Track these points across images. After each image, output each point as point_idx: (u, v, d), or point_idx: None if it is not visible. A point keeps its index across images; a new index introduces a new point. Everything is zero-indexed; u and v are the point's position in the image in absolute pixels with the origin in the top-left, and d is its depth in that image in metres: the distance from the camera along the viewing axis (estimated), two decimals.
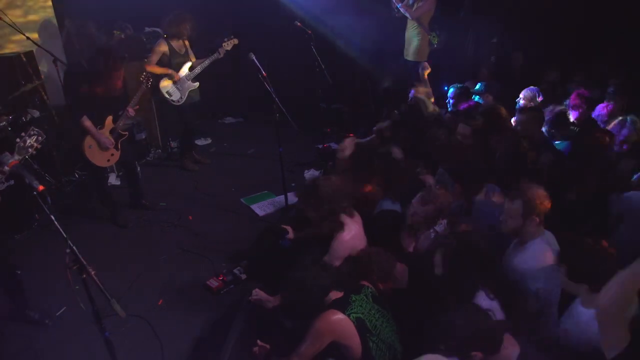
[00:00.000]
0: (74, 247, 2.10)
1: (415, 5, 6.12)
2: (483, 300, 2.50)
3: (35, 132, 2.60)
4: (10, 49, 6.22)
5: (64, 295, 3.79)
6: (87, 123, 4.47)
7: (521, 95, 5.01)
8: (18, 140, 2.55)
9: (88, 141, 4.55)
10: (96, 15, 6.91)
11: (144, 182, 5.42)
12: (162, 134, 6.78)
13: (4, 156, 2.13)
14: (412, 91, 5.40)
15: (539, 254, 2.80)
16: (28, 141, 2.56)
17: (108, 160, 4.75)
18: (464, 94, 5.23)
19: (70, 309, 3.75)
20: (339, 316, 2.66)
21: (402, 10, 6.07)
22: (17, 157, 2.49)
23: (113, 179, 5.99)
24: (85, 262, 2.12)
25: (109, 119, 4.64)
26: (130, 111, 4.69)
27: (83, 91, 4.37)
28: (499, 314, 2.39)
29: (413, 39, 6.38)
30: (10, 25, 5.15)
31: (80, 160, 4.91)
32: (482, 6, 6.69)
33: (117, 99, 4.65)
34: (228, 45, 5.62)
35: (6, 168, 2.28)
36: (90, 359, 3.24)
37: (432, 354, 2.07)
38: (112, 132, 4.67)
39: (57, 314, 3.73)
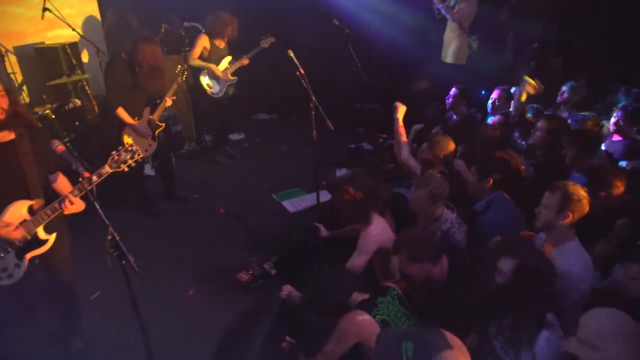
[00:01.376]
0: (115, 234, 2.15)
1: (456, 7, 6.05)
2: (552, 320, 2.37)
3: (132, 149, 2.67)
4: (55, 39, 6.41)
5: (99, 279, 3.90)
6: (123, 114, 4.55)
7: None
8: (113, 152, 2.63)
9: (127, 131, 4.65)
10: (137, 7, 7.07)
11: (178, 173, 5.52)
12: (197, 128, 6.89)
13: (53, 142, 2.22)
14: (454, 91, 5.32)
15: (582, 256, 2.76)
16: (123, 156, 2.63)
17: (146, 151, 4.83)
18: (507, 97, 5.14)
19: (104, 294, 3.87)
20: (364, 317, 2.64)
21: (443, 11, 6.01)
22: (108, 169, 2.59)
23: (148, 170, 6.11)
24: (125, 249, 2.17)
25: (147, 109, 4.73)
26: (168, 101, 4.77)
27: (121, 82, 4.48)
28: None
29: (452, 41, 6.31)
30: (58, 17, 5.30)
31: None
32: (524, 11, 6.55)
33: (154, 89, 4.74)
34: (266, 43, 5.70)
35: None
36: (123, 343, 3.31)
37: None
38: (149, 122, 4.76)
39: (91, 298, 3.84)
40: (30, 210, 2.67)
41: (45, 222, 2.66)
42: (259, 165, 6.30)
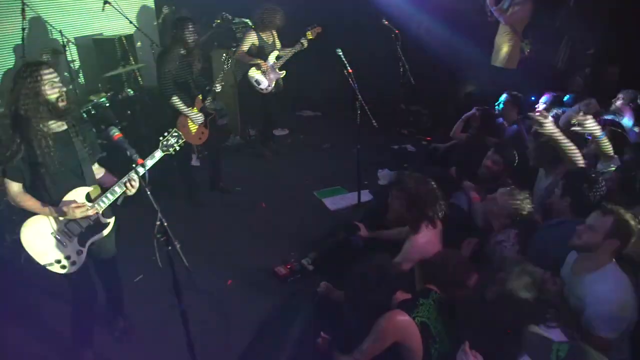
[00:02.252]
0: (164, 220, 2.21)
1: (510, 10, 5.89)
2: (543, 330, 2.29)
3: (176, 134, 2.84)
4: (112, 31, 6.67)
5: (143, 263, 4.02)
6: (177, 102, 4.68)
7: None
8: (161, 138, 2.79)
9: (181, 120, 4.78)
10: (190, 2, 7.24)
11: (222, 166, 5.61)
12: (242, 122, 7.00)
13: (110, 129, 2.31)
14: (504, 97, 5.19)
15: (624, 282, 2.54)
16: (170, 140, 2.80)
17: (199, 138, 4.97)
18: (556, 104, 4.98)
19: (146, 278, 4.01)
20: (404, 317, 2.63)
21: (495, 14, 5.87)
22: (159, 152, 2.76)
23: (193, 160, 6.26)
24: (172, 235, 2.23)
25: (198, 97, 4.85)
26: (217, 86, 4.84)
27: (173, 70, 4.63)
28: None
29: (503, 44, 6.15)
30: (117, 10, 5.50)
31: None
32: (581, 16, 6.33)
33: (203, 78, 4.90)
34: (312, 33, 5.72)
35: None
36: (161, 327, 3.42)
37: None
38: (201, 110, 4.87)
39: (135, 280, 3.98)
40: (88, 197, 2.77)
41: (106, 206, 2.77)
42: (301, 161, 6.35)
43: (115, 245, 3.23)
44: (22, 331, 3.54)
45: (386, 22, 5.67)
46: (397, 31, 5.61)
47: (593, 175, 3.10)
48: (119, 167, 2.85)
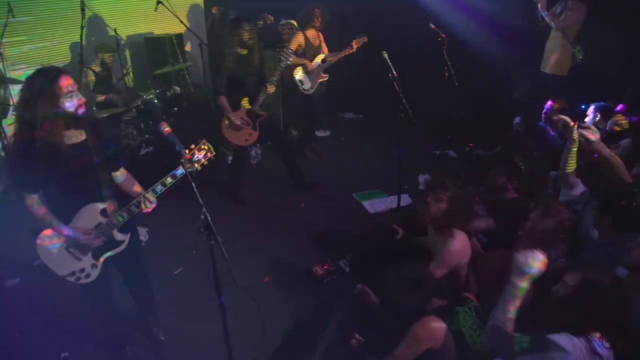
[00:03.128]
0: (208, 214, 2.27)
1: (563, 15, 5.72)
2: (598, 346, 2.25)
3: (205, 147, 2.56)
4: (161, 30, 6.90)
5: (183, 256, 4.16)
6: (223, 103, 4.74)
7: None
8: (187, 152, 2.54)
9: (226, 120, 4.85)
10: (239, 4, 7.39)
11: (263, 164, 5.67)
12: (285, 122, 7.07)
13: (161, 124, 2.35)
14: (550, 104, 5.06)
15: None
16: (197, 155, 2.56)
17: (246, 140, 4.97)
18: (607, 113, 4.82)
19: (186, 271, 4.12)
20: (439, 324, 2.61)
21: (547, 19, 5.71)
22: (181, 170, 2.50)
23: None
24: (215, 230, 2.28)
25: (244, 100, 4.85)
26: (269, 88, 4.80)
27: (230, 71, 4.68)
28: None
29: (554, 50, 5.98)
30: (169, 10, 5.67)
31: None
32: (637, 22, 6.09)
33: (254, 80, 4.85)
34: (358, 42, 5.74)
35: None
36: (200, 319, 3.50)
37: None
38: (248, 112, 4.87)
39: (175, 273, 4.09)
40: (104, 212, 2.71)
41: (120, 225, 2.70)
42: (342, 163, 6.36)
43: (139, 259, 3.18)
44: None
45: (433, 26, 5.61)
46: (443, 35, 5.54)
47: (628, 189, 2.97)
48: (166, 161, 2.87)
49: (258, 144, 6.41)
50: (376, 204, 5.19)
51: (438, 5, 7.22)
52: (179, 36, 6.77)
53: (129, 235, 2.85)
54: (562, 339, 2.02)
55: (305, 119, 6.44)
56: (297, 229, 4.80)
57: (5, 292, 3.98)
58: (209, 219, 2.26)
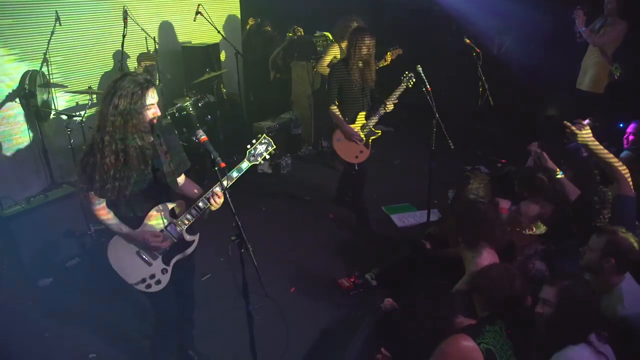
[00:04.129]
0: (239, 222, 2.29)
1: (601, 31, 5.60)
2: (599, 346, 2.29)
3: (266, 141, 2.73)
4: (198, 39, 7.04)
5: (212, 263, 4.20)
6: (337, 113, 4.46)
7: None
8: (249, 146, 2.70)
9: (337, 134, 4.54)
10: (274, 16, 7.50)
11: (293, 174, 5.67)
12: (316, 132, 7.11)
13: (198, 132, 2.39)
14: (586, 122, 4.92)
15: None
16: (259, 149, 2.70)
17: (356, 157, 4.61)
18: None
19: (214, 277, 4.16)
20: (469, 343, 2.55)
21: (584, 35, 5.59)
22: (246, 163, 2.68)
23: (265, 167, 6.44)
24: (246, 238, 2.30)
25: (361, 114, 4.57)
26: (389, 105, 4.50)
27: (340, 82, 4.42)
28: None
29: (591, 67, 5.85)
30: (207, 20, 5.79)
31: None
32: None
33: (367, 93, 4.59)
34: (393, 54, 5.72)
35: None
36: (224, 327, 3.53)
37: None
38: (362, 127, 4.58)
39: (202, 279, 4.13)
40: (172, 213, 2.72)
41: (190, 224, 2.73)
42: (371, 175, 6.31)
43: (194, 262, 3.15)
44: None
45: (468, 41, 5.57)
46: (478, 50, 5.50)
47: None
48: (197, 167, 2.90)
49: (288, 154, 6.47)
50: (405, 218, 5.15)
51: (474, 20, 7.17)
52: (215, 45, 6.91)
53: (197, 235, 2.86)
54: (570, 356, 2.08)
55: None
56: (325, 240, 4.81)
57: (37, 292, 4.09)
58: (241, 226, 2.28)
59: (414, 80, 4.44)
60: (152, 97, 2.47)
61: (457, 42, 5.83)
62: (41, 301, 3.99)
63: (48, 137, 5.44)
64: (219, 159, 2.25)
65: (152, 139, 2.60)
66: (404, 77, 4.50)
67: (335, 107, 4.45)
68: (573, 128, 2.97)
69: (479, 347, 2.52)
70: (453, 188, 5.72)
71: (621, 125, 5.38)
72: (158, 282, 2.74)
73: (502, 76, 6.75)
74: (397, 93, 4.50)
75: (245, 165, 2.69)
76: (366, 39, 4.28)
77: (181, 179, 2.89)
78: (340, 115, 4.47)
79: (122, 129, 2.40)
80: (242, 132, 6.98)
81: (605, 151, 3.01)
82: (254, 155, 2.70)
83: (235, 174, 2.67)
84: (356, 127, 4.54)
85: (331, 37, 6.97)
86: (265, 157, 2.72)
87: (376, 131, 4.65)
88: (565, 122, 3.03)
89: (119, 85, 2.42)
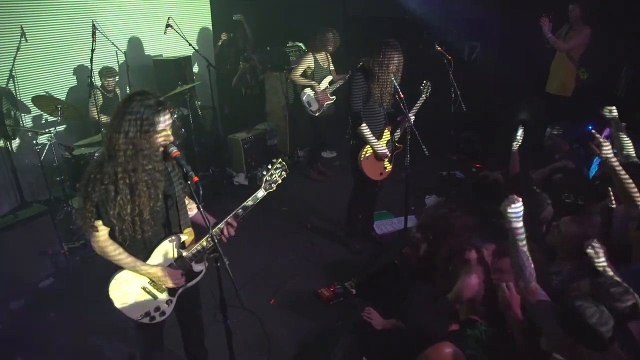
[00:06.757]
0: (215, 238, 2.26)
1: (567, 37, 5.77)
2: None
3: (280, 166, 2.63)
4: (169, 52, 6.99)
5: None
6: (366, 130, 4.22)
7: None
8: (264, 172, 2.59)
9: (365, 151, 4.35)
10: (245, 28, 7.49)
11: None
12: (291, 142, 7.11)
13: (170, 146, 2.30)
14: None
15: None
16: (274, 175, 2.60)
17: (380, 174, 4.50)
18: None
19: None
20: (452, 349, 2.56)
21: (551, 41, 5.74)
22: (262, 192, 2.57)
23: (242, 179, 6.40)
24: (221, 252, 2.27)
25: (387, 129, 4.41)
26: (411, 118, 4.24)
27: (362, 95, 4.17)
28: None
29: (559, 71, 6.02)
30: (178, 33, 5.74)
31: None
32: None
33: (388, 100, 4.28)
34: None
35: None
36: (206, 342, 3.45)
37: None
38: (387, 143, 4.45)
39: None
40: (182, 245, 2.55)
41: (201, 256, 2.56)
42: (348, 184, 6.33)
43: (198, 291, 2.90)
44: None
45: (439, 48, 5.65)
46: (449, 57, 5.57)
47: None
48: None
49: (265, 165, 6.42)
50: (383, 226, 5.16)
51: (445, 27, 7.29)
52: (187, 58, 6.85)
53: (206, 264, 2.68)
54: None
55: (312, 140, 6.47)
56: (304, 251, 4.78)
57: (6, 315, 3.95)
58: (217, 241, 2.25)
59: (430, 90, 4.44)
60: (164, 122, 2.26)
61: (429, 49, 5.90)
62: (12, 324, 3.85)
63: (16, 155, 5.30)
64: (191, 172, 2.20)
65: (165, 166, 2.38)
66: (422, 87, 4.45)
67: (365, 125, 4.20)
68: (602, 140, 2.87)
69: (463, 352, 2.53)
70: (430, 194, 5.79)
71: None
72: (162, 313, 2.58)
73: (474, 82, 6.86)
74: (419, 104, 4.40)
75: (261, 194, 2.58)
76: (395, 55, 4.06)
77: (193, 207, 2.72)
78: (372, 136, 4.26)
79: (133, 160, 2.20)
80: (216, 144, 6.93)
81: (624, 172, 2.91)
82: (269, 183, 2.58)
83: (250, 203, 2.56)
84: (382, 142, 4.39)
85: (304, 48, 7.01)
86: (279, 183, 2.62)
87: (398, 145, 4.52)
88: (593, 131, 2.96)
89: (128, 109, 2.19)
